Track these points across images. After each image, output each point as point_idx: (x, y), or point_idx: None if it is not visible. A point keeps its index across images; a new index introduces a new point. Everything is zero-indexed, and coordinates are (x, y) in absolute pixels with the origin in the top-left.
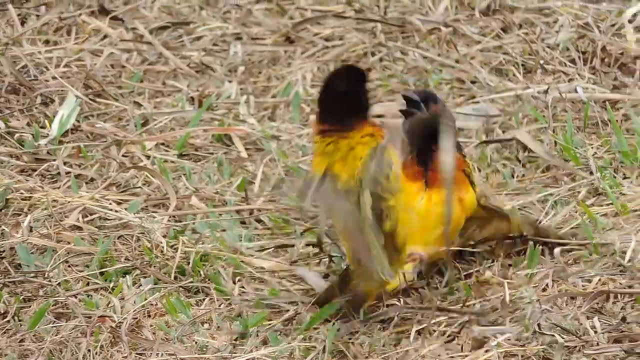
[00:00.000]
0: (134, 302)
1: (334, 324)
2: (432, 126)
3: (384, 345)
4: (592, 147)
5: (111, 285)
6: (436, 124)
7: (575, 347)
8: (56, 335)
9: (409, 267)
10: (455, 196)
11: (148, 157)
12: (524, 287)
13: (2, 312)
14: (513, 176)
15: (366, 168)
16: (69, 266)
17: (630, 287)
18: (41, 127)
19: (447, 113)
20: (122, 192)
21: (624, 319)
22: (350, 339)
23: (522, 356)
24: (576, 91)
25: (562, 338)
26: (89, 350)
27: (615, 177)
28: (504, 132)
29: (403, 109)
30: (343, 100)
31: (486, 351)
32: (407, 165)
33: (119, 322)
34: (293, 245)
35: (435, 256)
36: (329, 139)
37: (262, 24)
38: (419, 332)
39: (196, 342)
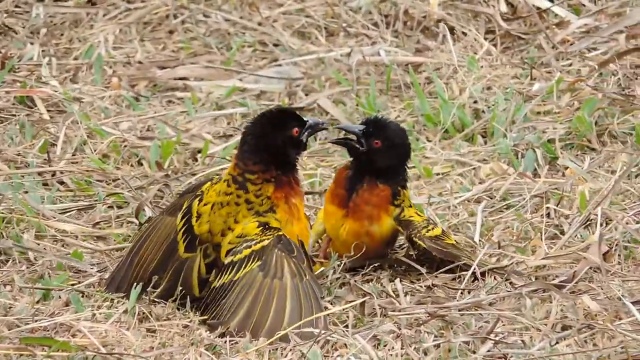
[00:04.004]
0: None
1: (135, 287)
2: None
3: (185, 310)
4: (394, 110)
5: None
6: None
7: (378, 309)
8: None
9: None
10: (364, 230)
11: None
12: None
13: None
14: (316, 139)
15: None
16: None
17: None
18: None
19: (392, 149)
20: None
21: (429, 287)
22: (151, 302)
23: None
24: (379, 54)
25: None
26: None
27: (418, 140)
28: (307, 94)
29: (338, 140)
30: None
31: None
32: (338, 181)
33: None
34: (95, 208)
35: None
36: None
37: None
38: None
39: None
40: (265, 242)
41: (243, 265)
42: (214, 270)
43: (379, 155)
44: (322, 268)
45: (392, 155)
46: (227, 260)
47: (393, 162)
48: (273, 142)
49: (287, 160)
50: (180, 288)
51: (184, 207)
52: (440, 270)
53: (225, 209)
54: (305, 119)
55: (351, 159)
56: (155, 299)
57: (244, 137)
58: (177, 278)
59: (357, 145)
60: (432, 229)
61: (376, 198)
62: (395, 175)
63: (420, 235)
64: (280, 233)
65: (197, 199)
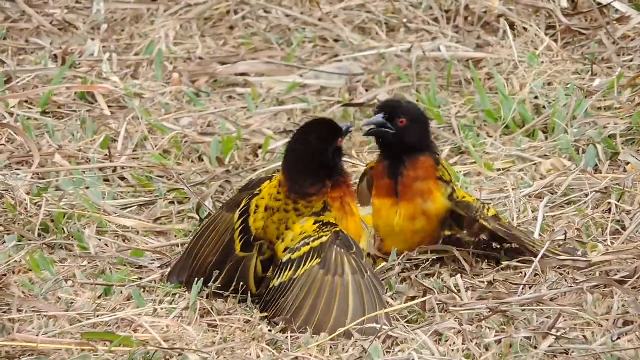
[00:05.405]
0: None
1: (197, 282)
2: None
3: (246, 305)
4: (455, 106)
5: None
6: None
7: (440, 305)
8: None
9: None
10: (420, 210)
11: (12, 114)
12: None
13: None
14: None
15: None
16: None
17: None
18: None
19: (416, 122)
20: None
21: (490, 283)
22: (212, 298)
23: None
24: (439, 50)
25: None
26: None
27: (478, 135)
28: (367, 90)
29: (370, 130)
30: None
31: None
32: (378, 174)
33: None
34: (156, 203)
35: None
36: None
37: None
38: None
39: (60, 299)
40: (324, 239)
41: (302, 263)
42: (271, 268)
43: (408, 132)
44: (383, 264)
45: (418, 128)
46: (284, 258)
47: (421, 133)
48: (326, 160)
49: (337, 170)
50: (239, 284)
51: (242, 205)
52: (508, 262)
53: (276, 215)
54: (339, 125)
55: (381, 150)
56: (216, 293)
57: (291, 153)
58: (234, 276)
59: (387, 130)
60: (489, 209)
61: (422, 171)
62: (427, 146)
63: (485, 216)
64: (337, 229)
65: (255, 197)
